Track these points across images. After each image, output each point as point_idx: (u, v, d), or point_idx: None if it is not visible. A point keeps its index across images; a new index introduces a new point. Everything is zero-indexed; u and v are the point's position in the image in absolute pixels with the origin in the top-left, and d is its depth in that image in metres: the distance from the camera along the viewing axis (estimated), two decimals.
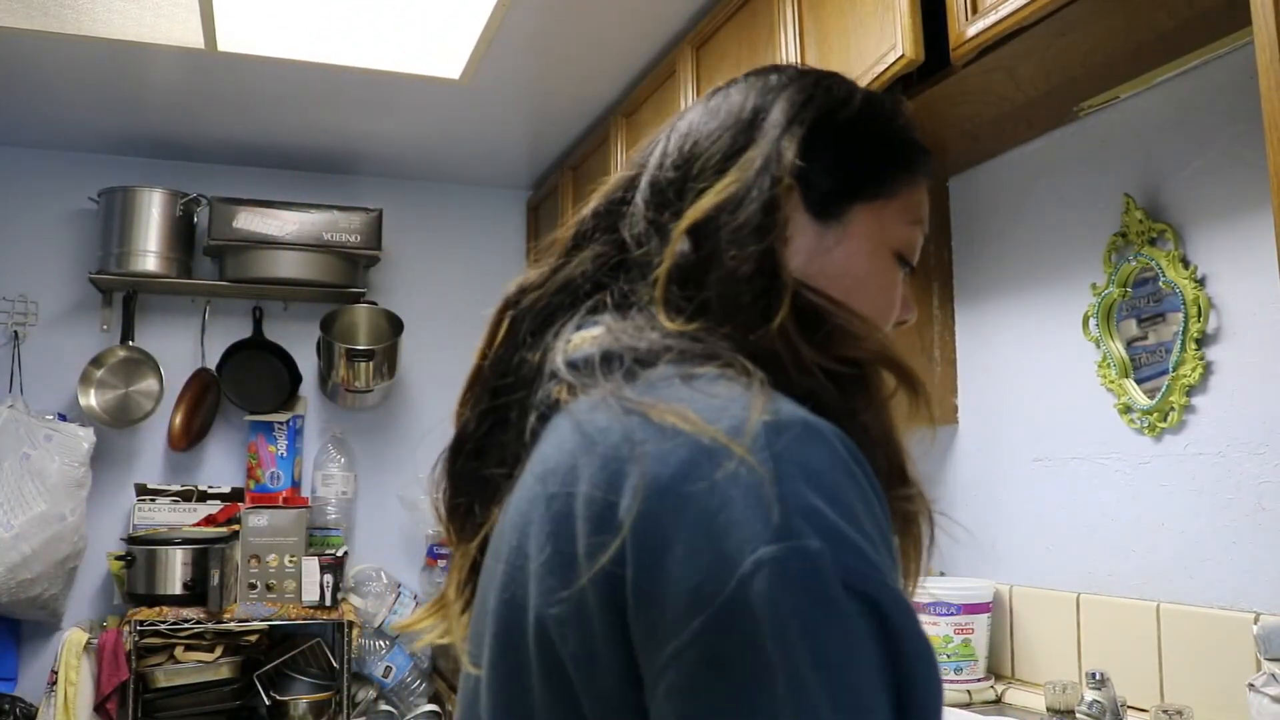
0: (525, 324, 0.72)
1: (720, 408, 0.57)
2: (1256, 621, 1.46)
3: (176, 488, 3.37)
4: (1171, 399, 1.67)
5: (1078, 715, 1.61)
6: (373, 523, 3.54)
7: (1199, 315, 1.62)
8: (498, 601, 0.62)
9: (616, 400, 0.60)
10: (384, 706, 3.23)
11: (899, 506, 0.64)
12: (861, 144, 0.75)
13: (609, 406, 0.60)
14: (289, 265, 3.32)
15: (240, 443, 3.48)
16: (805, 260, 0.71)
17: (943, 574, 2.22)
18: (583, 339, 0.67)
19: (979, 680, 1.97)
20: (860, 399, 0.65)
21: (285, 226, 3.31)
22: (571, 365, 0.66)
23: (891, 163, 0.76)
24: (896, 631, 0.50)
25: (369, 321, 3.51)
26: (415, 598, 3.35)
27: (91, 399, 3.26)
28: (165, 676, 2.94)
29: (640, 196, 0.73)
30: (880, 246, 0.74)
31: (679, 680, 0.50)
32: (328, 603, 3.05)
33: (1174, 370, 1.66)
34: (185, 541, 3.05)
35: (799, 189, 0.71)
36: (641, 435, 0.56)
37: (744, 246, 0.66)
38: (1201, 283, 1.64)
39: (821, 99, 0.75)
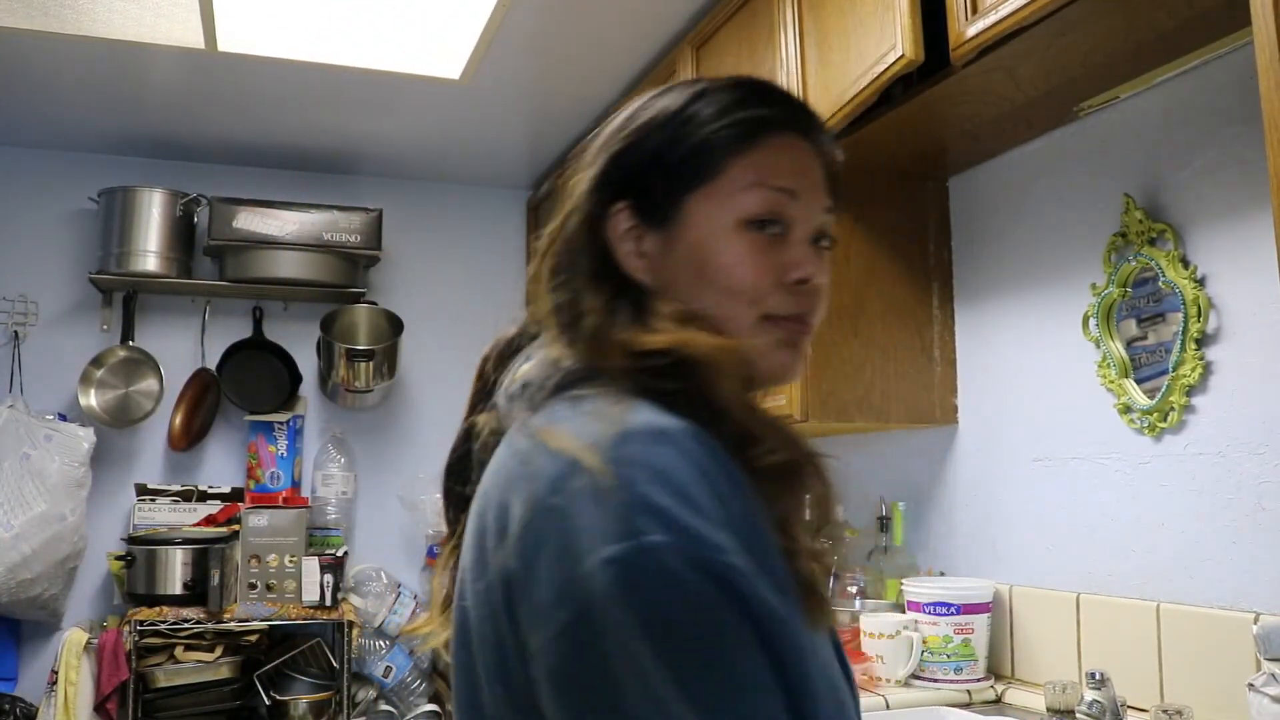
0: (492, 358, 0.85)
1: (587, 425, 0.65)
2: (1256, 621, 1.46)
3: (176, 488, 3.37)
4: (1171, 399, 1.67)
5: (1078, 715, 1.61)
6: (373, 523, 3.54)
7: (1199, 315, 1.62)
8: (456, 603, 0.72)
9: (523, 426, 0.71)
10: (384, 706, 3.23)
11: (764, 465, 0.68)
12: (676, 141, 0.79)
13: (522, 431, 0.71)
14: (289, 265, 3.32)
15: (240, 443, 3.48)
16: (658, 268, 0.79)
17: (943, 574, 2.22)
18: (523, 371, 0.78)
19: (979, 680, 1.97)
20: (695, 383, 0.70)
21: (285, 226, 3.31)
22: (509, 396, 0.77)
23: (712, 144, 0.78)
24: (746, 596, 0.57)
25: (369, 321, 3.51)
26: (415, 598, 3.35)
27: (91, 399, 3.26)
28: (165, 676, 2.94)
29: None
30: (721, 224, 0.77)
31: (549, 663, 0.59)
32: (328, 603, 3.05)
33: (1174, 370, 1.66)
34: (185, 541, 3.05)
35: (631, 208, 0.79)
36: (533, 456, 0.66)
37: (572, 278, 0.78)
38: (1201, 283, 1.64)
39: (642, 114, 0.82)
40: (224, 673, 2.99)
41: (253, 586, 3.06)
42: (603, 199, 0.80)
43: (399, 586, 3.35)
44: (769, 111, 0.81)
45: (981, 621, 1.98)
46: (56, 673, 2.90)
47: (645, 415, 0.65)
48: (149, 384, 3.33)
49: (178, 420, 3.38)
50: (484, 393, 0.84)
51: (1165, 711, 1.52)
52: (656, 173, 0.79)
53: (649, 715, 0.54)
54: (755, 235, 0.77)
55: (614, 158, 0.81)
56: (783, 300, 0.78)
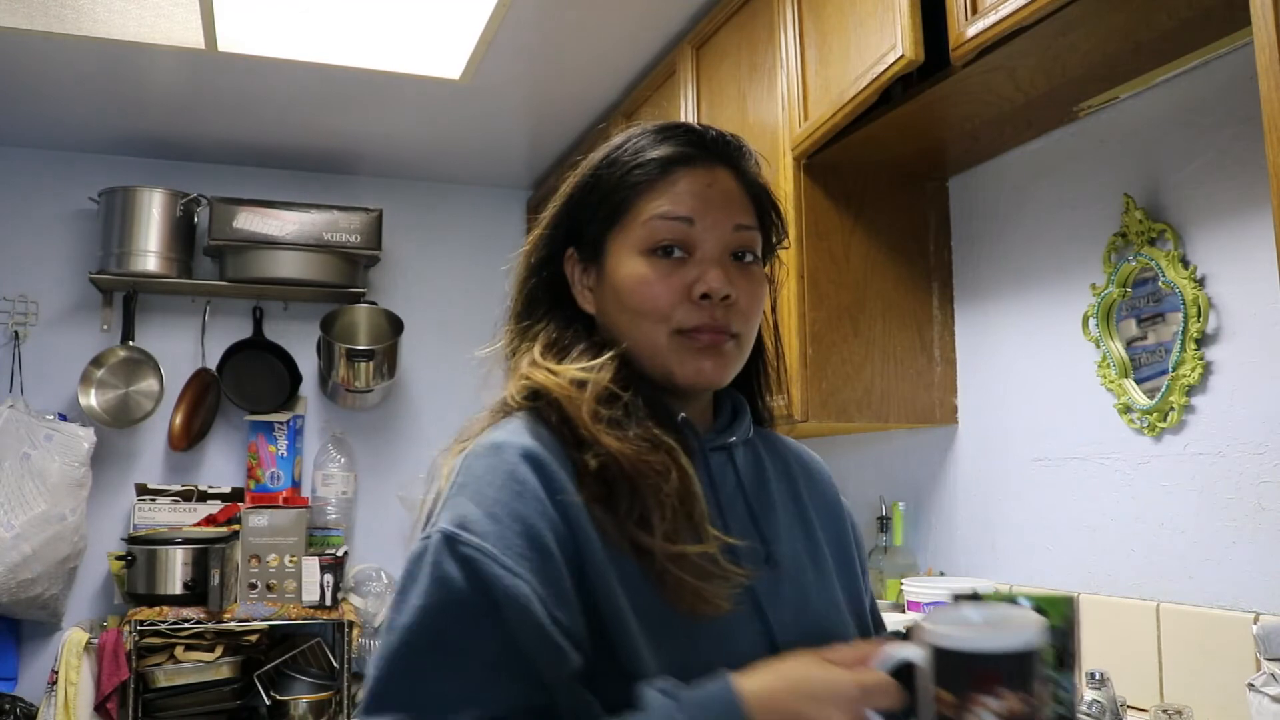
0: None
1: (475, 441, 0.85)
2: (1256, 621, 1.46)
3: (177, 488, 3.37)
4: (1171, 399, 1.67)
5: (1079, 716, 1.61)
6: (373, 522, 3.54)
7: (1198, 315, 1.62)
8: None
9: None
10: None
11: (595, 469, 0.81)
12: (598, 188, 0.92)
13: None
14: (289, 265, 3.32)
15: (240, 443, 3.48)
16: (599, 300, 0.93)
17: (943, 574, 2.22)
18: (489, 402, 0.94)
19: None
20: (550, 408, 0.86)
21: (285, 226, 3.31)
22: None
23: (624, 187, 0.91)
24: (486, 578, 0.73)
25: (369, 321, 3.52)
26: None
27: (92, 399, 3.26)
28: (165, 676, 2.94)
29: None
30: (629, 255, 0.90)
31: None
32: (328, 602, 3.06)
33: (1174, 370, 1.66)
34: (185, 541, 3.05)
35: (576, 252, 0.94)
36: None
37: (537, 314, 0.95)
38: (1201, 283, 1.64)
39: (585, 165, 0.95)
40: (224, 672, 2.99)
41: (253, 586, 3.06)
42: (555, 247, 0.95)
43: None
44: (676, 150, 0.91)
45: None
46: (57, 672, 2.90)
47: (498, 434, 0.83)
48: (149, 384, 3.33)
49: (178, 420, 3.39)
50: None
51: (1165, 711, 1.52)
52: (587, 218, 0.93)
53: (390, 614, 0.77)
54: (658, 261, 0.88)
55: (563, 205, 0.95)
56: (689, 314, 0.87)
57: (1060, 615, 0.78)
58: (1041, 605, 0.77)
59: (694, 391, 0.90)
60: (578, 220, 0.94)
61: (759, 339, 0.99)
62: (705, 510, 0.82)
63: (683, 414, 0.89)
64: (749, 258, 0.91)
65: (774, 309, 1.01)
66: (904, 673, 0.74)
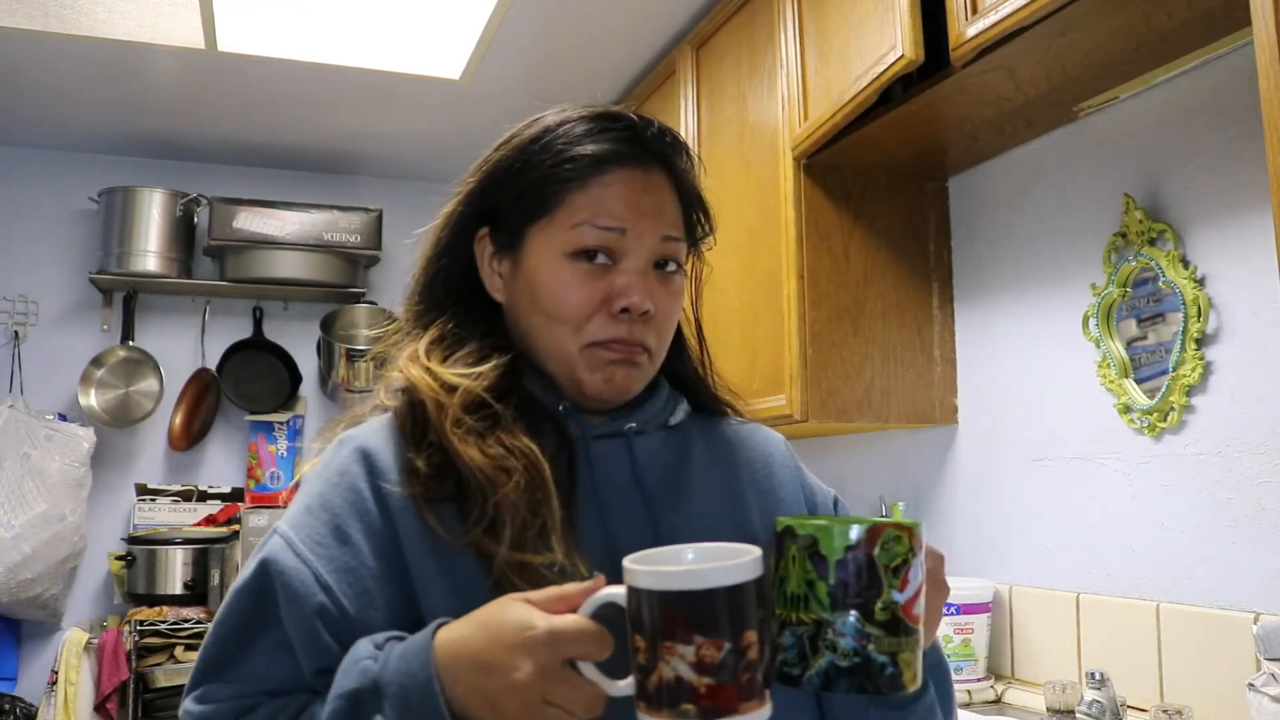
0: None
1: None
2: (1256, 621, 1.46)
3: (177, 488, 3.37)
4: (1171, 399, 1.67)
5: (1077, 715, 1.61)
6: None
7: (1199, 315, 1.62)
8: None
9: None
10: None
11: (441, 470, 0.80)
12: (523, 174, 0.88)
13: None
14: (289, 265, 3.32)
15: (240, 442, 3.48)
16: (508, 289, 0.90)
17: None
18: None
19: (979, 680, 1.97)
20: (410, 407, 0.85)
21: (285, 226, 3.31)
22: None
23: (551, 180, 0.86)
24: (274, 572, 0.77)
25: (369, 321, 3.52)
26: None
27: (92, 399, 3.26)
28: (165, 676, 2.94)
29: None
30: (551, 254, 0.86)
31: None
32: None
33: (1174, 370, 1.66)
34: (185, 541, 3.05)
35: (490, 239, 0.90)
36: None
37: (439, 295, 0.92)
38: (1201, 283, 1.64)
39: (513, 139, 0.91)
40: None
41: None
42: (468, 225, 0.91)
43: None
44: (610, 148, 0.86)
45: (981, 621, 1.98)
46: (56, 672, 2.90)
47: (353, 429, 0.86)
48: (149, 384, 3.33)
49: (178, 420, 3.39)
50: None
51: (1165, 711, 1.52)
52: (507, 202, 0.89)
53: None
54: (581, 266, 0.85)
55: (481, 181, 0.91)
56: (604, 326, 0.85)
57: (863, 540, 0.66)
58: (911, 526, 0.67)
59: (601, 401, 0.87)
60: (496, 201, 0.90)
61: (683, 340, 0.97)
62: (558, 519, 0.78)
63: (564, 403, 0.87)
64: (671, 266, 0.88)
65: (695, 304, 0.98)
66: (618, 617, 0.65)
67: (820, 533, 0.66)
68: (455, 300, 0.91)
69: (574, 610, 0.66)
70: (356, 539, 0.78)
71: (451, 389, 0.82)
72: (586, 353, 0.85)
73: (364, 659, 0.70)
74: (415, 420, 0.83)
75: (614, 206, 0.85)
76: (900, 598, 0.66)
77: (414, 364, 0.86)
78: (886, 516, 2.30)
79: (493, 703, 0.65)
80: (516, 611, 0.66)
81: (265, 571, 0.78)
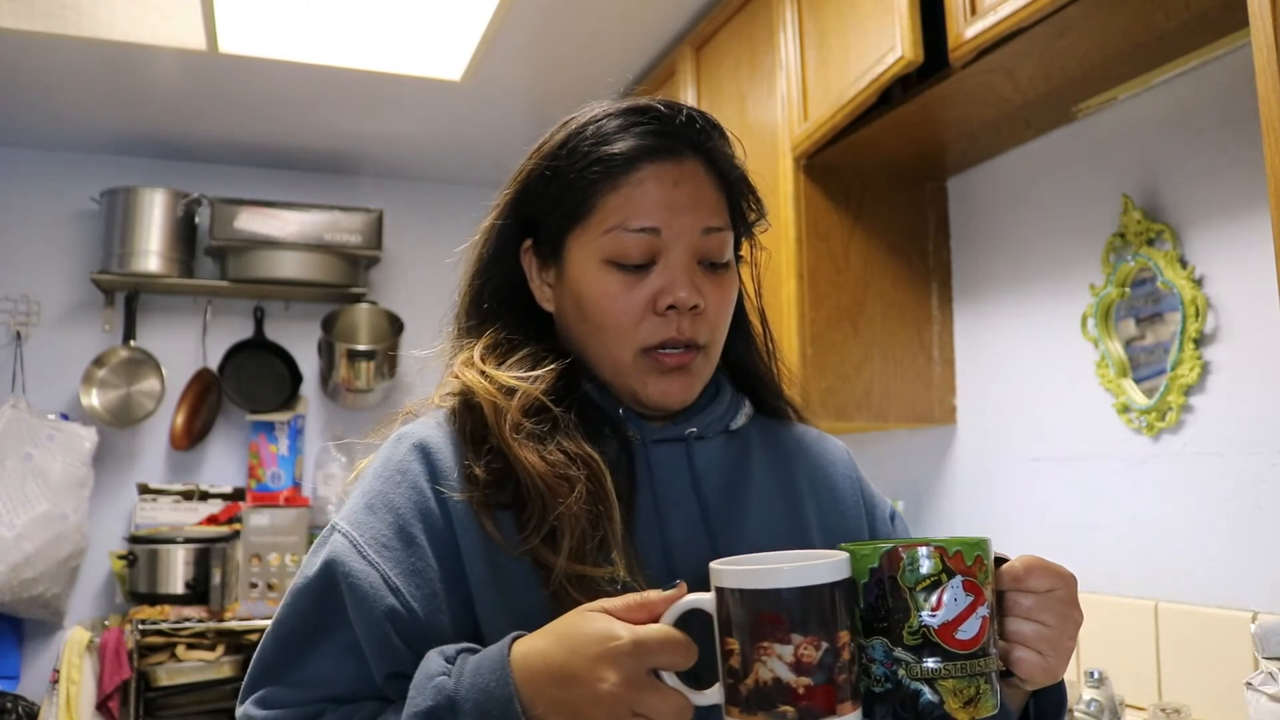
0: None
1: None
2: (1254, 620, 1.47)
3: (178, 487, 3.37)
4: (1170, 399, 1.68)
5: (1076, 714, 1.61)
6: None
7: (1197, 315, 1.63)
8: None
9: None
10: None
11: (500, 477, 0.79)
12: (555, 179, 0.85)
13: None
14: (290, 265, 3.33)
15: (242, 442, 3.49)
16: (556, 300, 0.88)
17: None
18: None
19: None
20: (469, 411, 0.84)
21: (286, 227, 3.31)
22: None
23: (582, 184, 0.83)
24: (340, 574, 0.75)
25: (369, 321, 3.52)
26: None
27: (93, 399, 3.27)
28: (167, 675, 2.94)
29: None
30: (590, 262, 0.83)
31: None
32: None
33: (1172, 370, 1.67)
34: (187, 541, 3.06)
35: (533, 250, 0.88)
36: None
37: (490, 308, 0.91)
38: (1199, 283, 1.64)
39: (528, 159, 0.88)
40: (225, 671, 3.00)
41: (254, 586, 3.07)
42: (508, 237, 0.89)
43: None
44: (638, 143, 0.83)
45: None
46: (58, 671, 2.91)
47: (407, 426, 0.85)
48: (151, 384, 3.33)
49: (179, 420, 3.39)
50: None
51: (1163, 710, 1.53)
52: (544, 212, 0.86)
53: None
54: (620, 271, 0.82)
55: (516, 192, 0.89)
56: (654, 329, 0.82)
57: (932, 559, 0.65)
58: (946, 546, 0.66)
59: (654, 411, 0.85)
60: (533, 211, 0.87)
61: (749, 328, 0.95)
62: (619, 532, 0.77)
63: (623, 407, 0.85)
64: (719, 259, 0.85)
65: (758, 293, 0.95)
66: (700, 625, 0.64)
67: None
68: (505, 311, 0.89)
69: (655, 618, 0.65)
70: (420, 540, 0.77)
71: (509, 392, 0.80)
72: (640, 361, 0.83)
73: (437, 675, 0.68)
74: (474, 422, 0.81)
75: (646, 206, 0.82)
76: (933, 620, 0.64)
77: (469, 369, 0.84)
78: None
79: (577, 715, 0.63)
80: (597, 622, 0.64)
81: (330, 573, 0.76)
